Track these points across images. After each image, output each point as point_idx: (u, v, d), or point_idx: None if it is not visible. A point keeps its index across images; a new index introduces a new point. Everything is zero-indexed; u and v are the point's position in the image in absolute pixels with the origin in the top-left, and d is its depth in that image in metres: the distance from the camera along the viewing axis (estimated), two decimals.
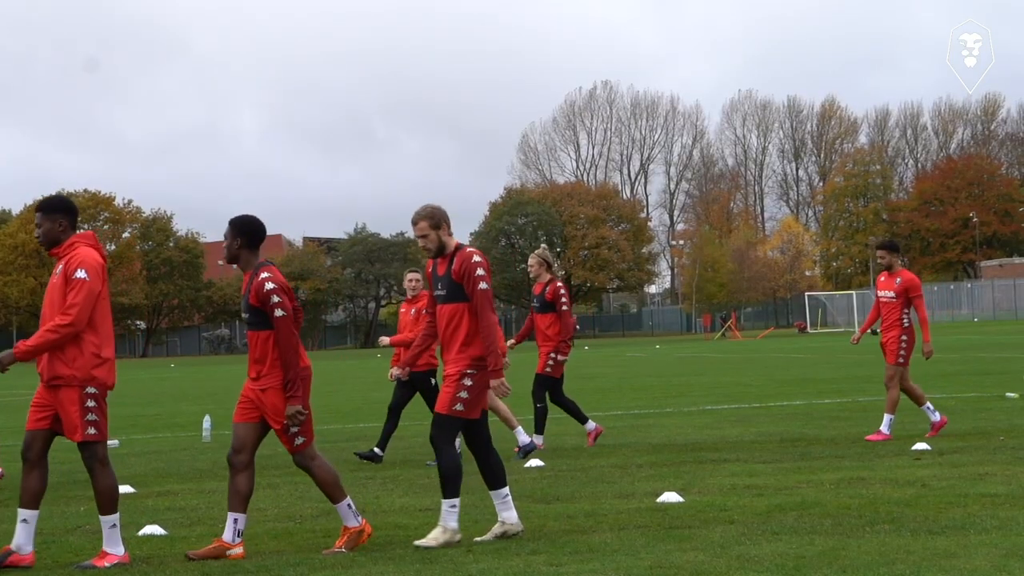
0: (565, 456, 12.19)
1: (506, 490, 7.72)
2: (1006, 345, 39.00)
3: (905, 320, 12.75)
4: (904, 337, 12.67)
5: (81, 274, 7.10)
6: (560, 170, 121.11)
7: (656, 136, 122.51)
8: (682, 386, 24.39)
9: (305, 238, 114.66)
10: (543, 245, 13.87)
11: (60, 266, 7.22)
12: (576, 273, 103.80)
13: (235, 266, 7.65)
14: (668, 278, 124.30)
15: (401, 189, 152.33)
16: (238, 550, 7.33)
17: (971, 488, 8.89)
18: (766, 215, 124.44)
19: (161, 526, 8.41)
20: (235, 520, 7.39)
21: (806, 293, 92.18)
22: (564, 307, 12.80)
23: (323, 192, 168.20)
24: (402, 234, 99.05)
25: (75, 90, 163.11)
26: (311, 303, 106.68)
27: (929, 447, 11.46)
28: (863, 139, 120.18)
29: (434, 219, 7.66)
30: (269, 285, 7.35)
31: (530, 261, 13.05)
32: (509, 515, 7.70)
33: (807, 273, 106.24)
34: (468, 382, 7.52)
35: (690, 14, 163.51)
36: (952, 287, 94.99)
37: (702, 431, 14.29)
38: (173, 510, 9.50)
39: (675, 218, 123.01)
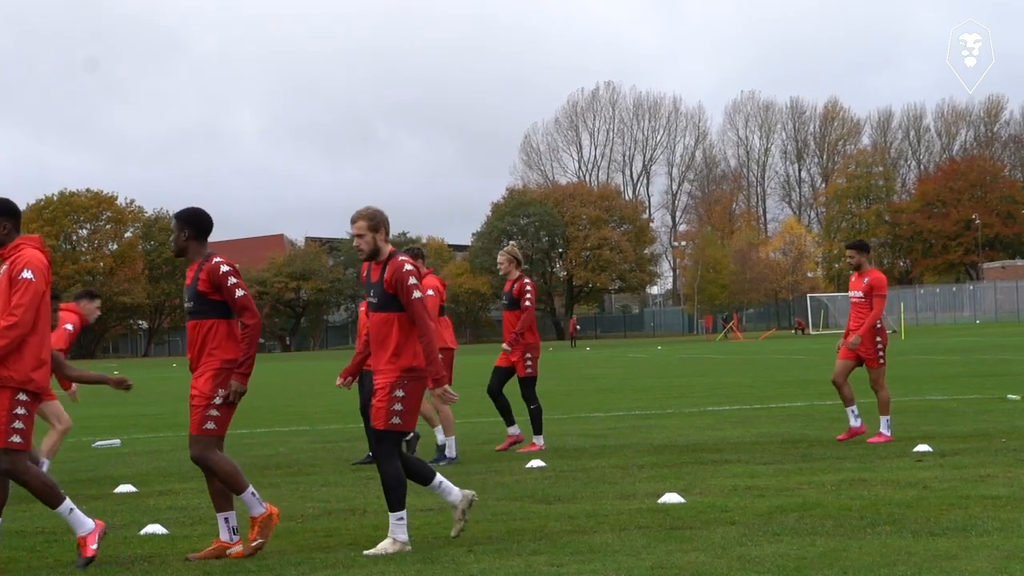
0: (566, 457, 12.19)
1: (438, 477, 7.64)
2: (1008, 347, 38.98)
3: (877, 321, 12.68)
4: (878, 338, 12.62)
5: (27, 274, 6.95)
6: (562, 171, 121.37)
7: (658, 137, 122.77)
8: (683, 387, 24.38)
9: (307, 238, 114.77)
10: (511, 243, 13.82)
11: (5, 267, 7.08)
12: (578, 274, 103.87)
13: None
14: (670, 279, 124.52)
15: (402, 189, 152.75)
16: (238, 548, 7.34)
17: (972, 490, 8.88)
18: (768, 216, 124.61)
19: (163, 525, 8.42)
20: (226, 519, 7.39)
21: (808, 295, 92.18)
22: (527, 303, 12.72)
23: (324, 192, 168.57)
24: (403, 234, 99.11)
25: (75, 90, 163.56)
26: (313, 303, 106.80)
27: (930, 449, 11.45)
28: (866, 140, 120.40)
29: (374, 220, 7.52)
30: (224, 268, 7.30)
31: (499, 259, 12.95)
32: (453, 496, 7.63)
33: (809, 275, 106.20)
34: (400, 393, 7.35)
35: (691, 14, 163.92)
36: (954, 289, 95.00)
37: (703, 432, 14.28)
38: (175, 509, 9.52)
39: (677, 219, 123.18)
